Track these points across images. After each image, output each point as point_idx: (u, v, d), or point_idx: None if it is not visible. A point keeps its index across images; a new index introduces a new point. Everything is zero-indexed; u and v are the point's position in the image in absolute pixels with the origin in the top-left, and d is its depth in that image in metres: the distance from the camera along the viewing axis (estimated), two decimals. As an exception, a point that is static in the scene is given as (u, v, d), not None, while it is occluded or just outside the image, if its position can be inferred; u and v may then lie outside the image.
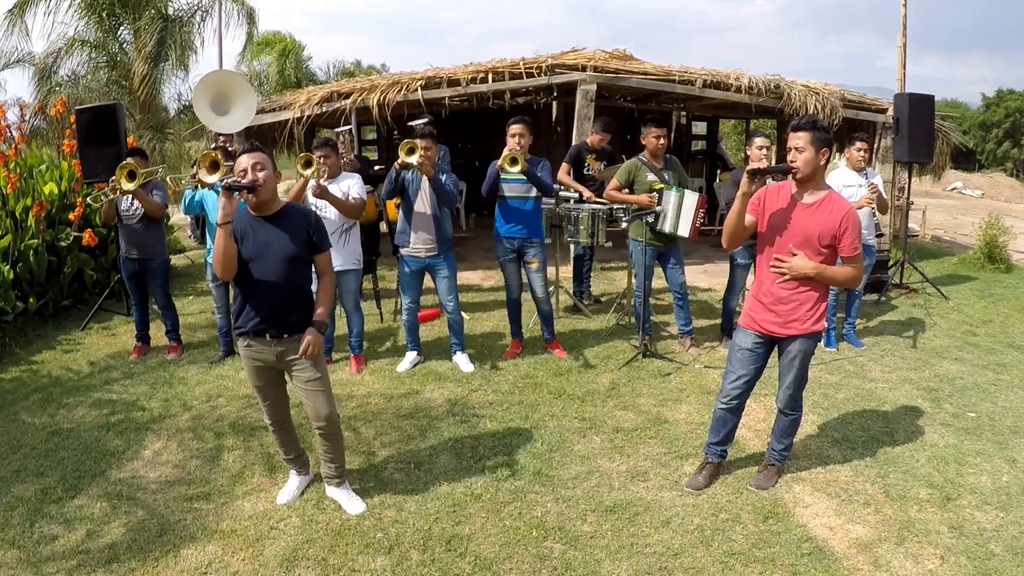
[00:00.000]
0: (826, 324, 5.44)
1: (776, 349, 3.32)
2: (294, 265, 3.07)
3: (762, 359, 3.32)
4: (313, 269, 3.23)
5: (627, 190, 5.24)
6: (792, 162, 3.10)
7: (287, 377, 3.25)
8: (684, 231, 5.06)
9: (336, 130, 6.81)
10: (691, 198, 5.03)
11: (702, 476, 3.44)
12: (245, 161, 3.00)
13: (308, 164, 4.51)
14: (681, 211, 5.02)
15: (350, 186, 4.82)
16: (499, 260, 5.14)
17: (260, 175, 2.99)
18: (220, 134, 6.43)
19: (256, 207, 3.05)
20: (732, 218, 3.22)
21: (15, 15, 10.94)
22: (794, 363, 3.25)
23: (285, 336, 3.08)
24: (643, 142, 5.25)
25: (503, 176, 4.91)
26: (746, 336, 3.29)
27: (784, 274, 3.14)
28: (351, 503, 3.28)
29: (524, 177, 4.85)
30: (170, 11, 11.54)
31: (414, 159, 4.53)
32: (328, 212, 4.71)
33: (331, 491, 3.35)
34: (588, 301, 6.69)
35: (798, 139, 3.08)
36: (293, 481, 3.41)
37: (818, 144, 3.06)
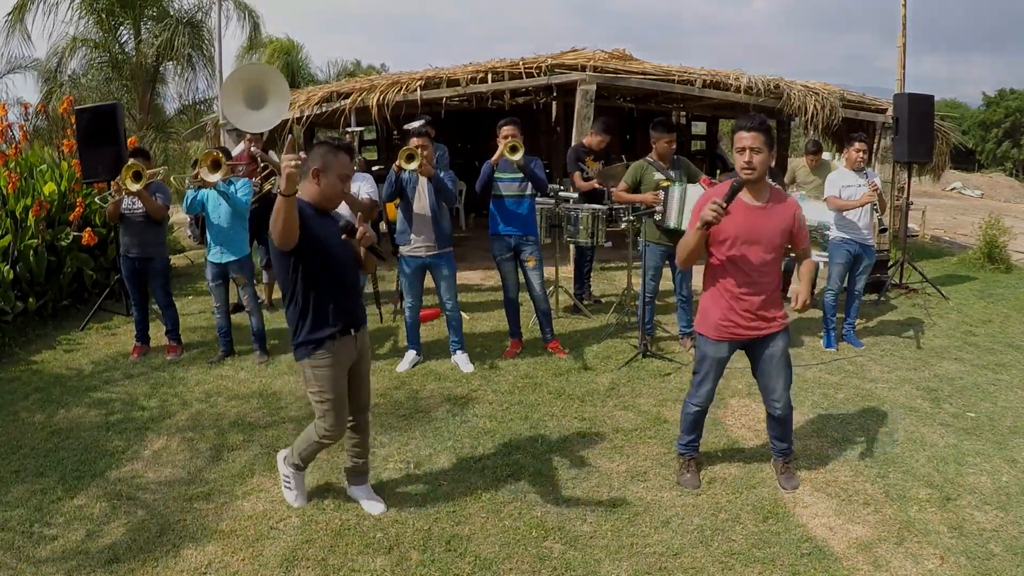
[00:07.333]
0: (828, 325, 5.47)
1: (746, 352, 3.33)
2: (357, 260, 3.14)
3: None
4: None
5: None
6: (748, 164, 3.02)
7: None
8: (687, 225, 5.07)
9: (347, 130, 6.77)
10: (694, 191, 5.02)
11: (691, 473, 3.45)
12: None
13: None
14: (685, 205, 5.01)
15: (360, 187, 4.84)
16: (495, 259, 5.15)
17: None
18: (251, 134, 6.17)
19: (326, 205, 3.03)
20: (692, 251, 3.13)
21: (15, 17, 10.94)
22: (783, 359, 3.26)
23: (361, 329, 3.16)
24: (653, 146, 5.28)
25: (498, 175, 4.96)
26: (720, 347, 3.27)
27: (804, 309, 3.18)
28: (372, 504, 3.23)
29: (519, 175, 4.89)
30: (174, 11, 11.56)
31: (414, 165, 4.55)
32: (341, 210, 4.70)
33: (354, 491, 3.28)
34: (588, 301, 6.69)
35: (753, 140, 3.00)
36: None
37: (769, 145, 3.05)
